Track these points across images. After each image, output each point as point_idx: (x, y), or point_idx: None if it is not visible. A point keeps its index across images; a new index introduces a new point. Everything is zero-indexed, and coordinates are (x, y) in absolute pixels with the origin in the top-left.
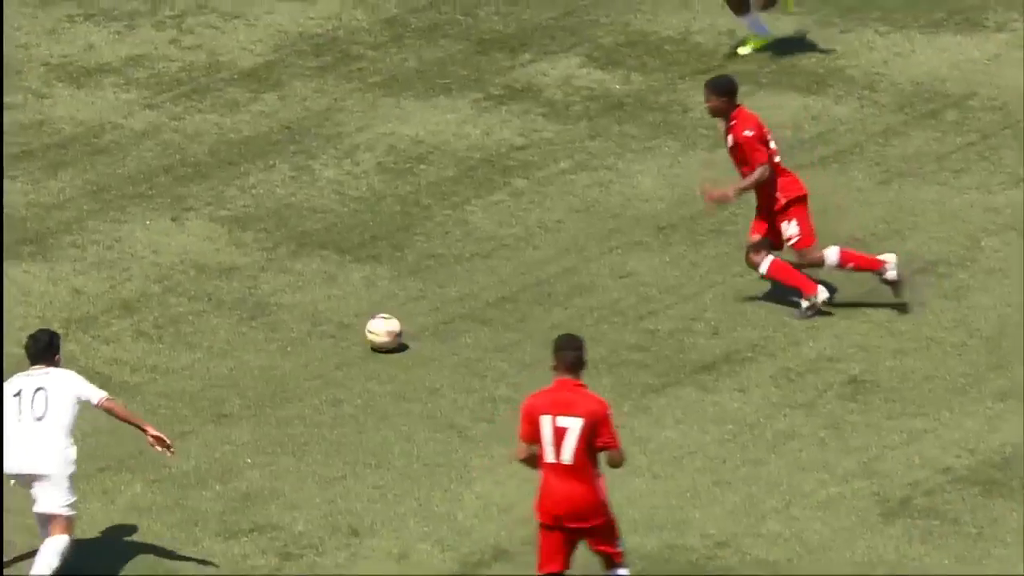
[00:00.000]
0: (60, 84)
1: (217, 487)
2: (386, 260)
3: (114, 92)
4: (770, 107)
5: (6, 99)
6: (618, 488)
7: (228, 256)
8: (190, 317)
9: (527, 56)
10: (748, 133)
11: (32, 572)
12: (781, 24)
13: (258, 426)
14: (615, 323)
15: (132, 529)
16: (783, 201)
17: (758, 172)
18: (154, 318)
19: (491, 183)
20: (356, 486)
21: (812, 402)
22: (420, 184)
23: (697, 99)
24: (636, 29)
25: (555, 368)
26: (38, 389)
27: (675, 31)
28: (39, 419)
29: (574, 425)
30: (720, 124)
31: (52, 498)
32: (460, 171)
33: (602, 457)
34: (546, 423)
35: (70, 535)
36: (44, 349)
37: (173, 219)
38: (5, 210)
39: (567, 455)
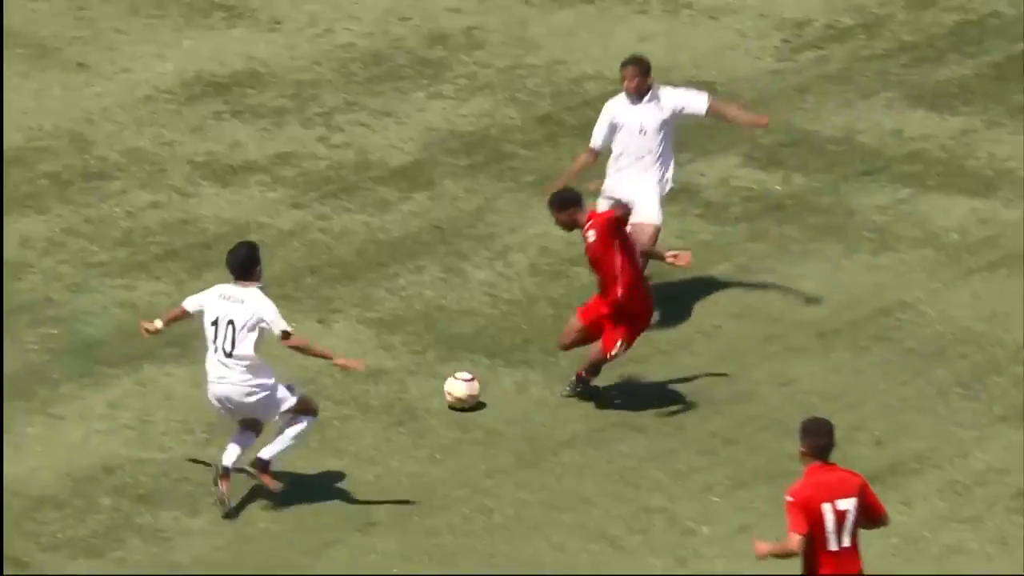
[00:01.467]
0: (205, 182)
1: None
2: (538, 365)
3: (260, 190)
4: (937, 210)
5: (151, 197)
6: None
7: (376, 359)
8: (336, 422)
9: (685, 155)
10: (590, 235)
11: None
12: (949, 125)
13: (406, 535)
14: (775, 432)
15: None
16: (626, 311)
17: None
18: None
19: None
20: None
21: (980, 516)
22: (573, 287)
23: (862, 201)
24: (798, 128)
25: (805, 454)
26: (229, 322)
27: (838, 130)
28: (228, 355)
29: (851, 506)
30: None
31: (264, 415)
32: None
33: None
34: (828, 511)
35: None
36: (242, 265)
37: (320, 321)
38: (148, 312)
39: (847, 538)
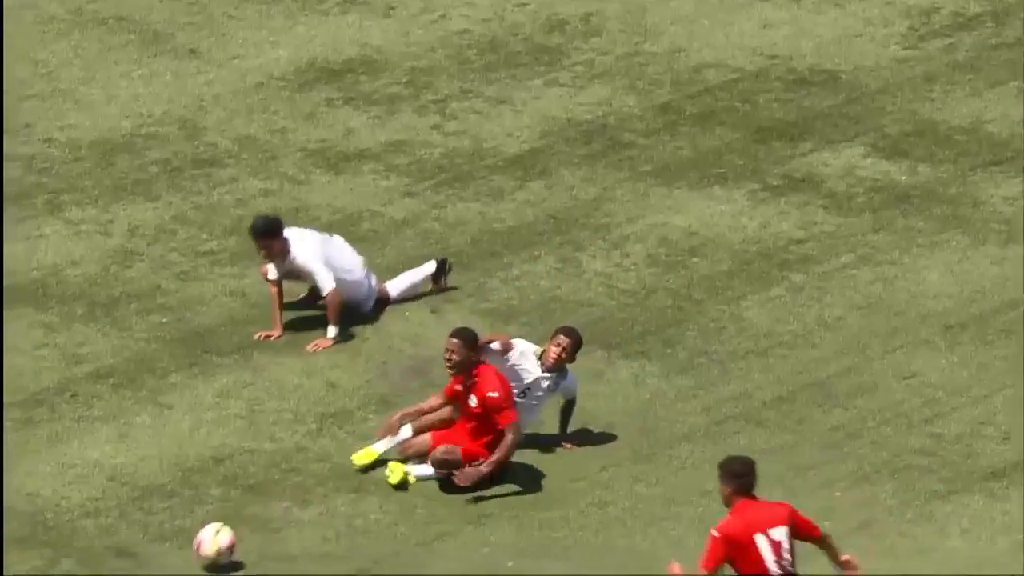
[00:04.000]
0: (317, 170)
1: None
2: (656, 357)
3: (373, 179)
4: None
5: (262, 185)
6: None
7: None
8: None
9: (808, 145)
10: (493, 394)
11: None
12: None
13: (520, 529)
14: (899, 426)
15: None
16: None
17: (510, 437)
18: None
19: (768, 278)
20: None
21: None
22: (692, 278)
23: (989, 192)
24: (924, 118)
25: (732, 495)
26: None
27: (965, 120)
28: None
29: (783, 535)
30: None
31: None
32: (735, 265)
33: None
34: (762, 541)
35: None
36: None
37: (432, 311)
38: (258, 300)
39: (787, 564)
